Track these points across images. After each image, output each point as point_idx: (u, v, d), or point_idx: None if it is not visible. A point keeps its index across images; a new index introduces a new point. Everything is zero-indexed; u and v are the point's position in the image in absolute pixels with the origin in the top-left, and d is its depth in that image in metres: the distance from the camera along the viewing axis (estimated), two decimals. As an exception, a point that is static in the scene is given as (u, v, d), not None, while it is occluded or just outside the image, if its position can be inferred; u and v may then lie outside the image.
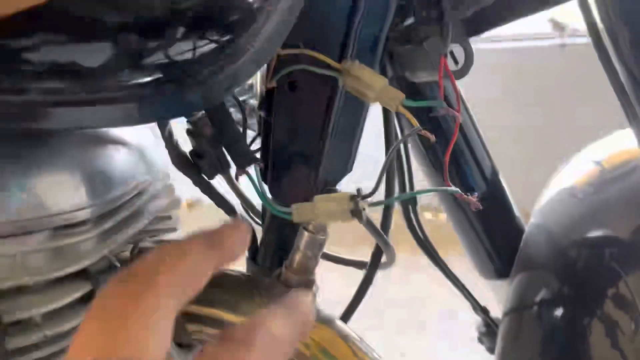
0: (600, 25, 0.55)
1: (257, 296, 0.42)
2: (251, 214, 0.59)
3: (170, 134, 0.50)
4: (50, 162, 0.36)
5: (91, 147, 0.39)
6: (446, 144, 0.66)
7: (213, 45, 0.36)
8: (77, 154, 0.37)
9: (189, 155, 0.50)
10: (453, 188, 0.39)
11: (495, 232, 0.74)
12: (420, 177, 0.68)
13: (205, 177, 0.51)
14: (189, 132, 0.50)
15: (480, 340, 0.75)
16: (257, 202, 0.58)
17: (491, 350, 0.74)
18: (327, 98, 0.47)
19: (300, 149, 0.48)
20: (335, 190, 0.46)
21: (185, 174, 0.51)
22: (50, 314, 0.35)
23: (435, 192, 0.40)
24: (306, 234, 0.40)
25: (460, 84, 0.45)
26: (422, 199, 0.66)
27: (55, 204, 0.35)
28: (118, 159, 0.41)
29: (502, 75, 2.06)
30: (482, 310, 0.73)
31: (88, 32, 0.29)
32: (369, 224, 0.45)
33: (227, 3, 0.35)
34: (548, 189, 0.77)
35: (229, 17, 0.36)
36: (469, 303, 0.72)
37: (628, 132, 0.78)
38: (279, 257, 0.51)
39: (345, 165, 0.50)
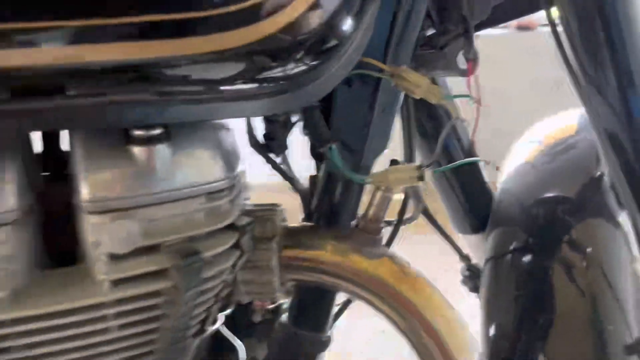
0: (557, 21, 0.72)
1: (342, 240, 0.56)
2: (294, 188, 0.72)
3: (250, 123, 0.63)
4: (204, 146, 0.48)
5: (222, 135, 0.51)
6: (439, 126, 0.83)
7: (319, 61, 0.49)
8: (217, 140, 0.50)
9: (262, 138, 0.64)
10: (481, 159, 0.55)
11: (470, 195, 0.91)
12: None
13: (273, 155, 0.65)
14: (265, 119, 0.63)
15: (464, 282, 0.92)
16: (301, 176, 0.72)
17: (473, 290, 0.91)
18: (373, 91, 0.61)
19: (351, 130, 0.62)
20: (397, 162, 0.60)
21: (258, 152, 0.65)
22: (215, 256, 0.48)
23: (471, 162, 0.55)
24: (379, 193, 0.55)
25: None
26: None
27: (210, 175, 0.48)
28: (232, 146, 0.53)
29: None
30: (465, 258, 0.90)
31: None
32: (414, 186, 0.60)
33: (325, 35, 0.49)
34: (510, 159, 0.95)
35: (327, 43, 0.50)
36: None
37: (569, 113, 0.97)
38: (334, 217, 0.65)
39: (384, 144, 0.64)
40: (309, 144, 0.65)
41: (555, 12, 0.73)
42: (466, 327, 0.60)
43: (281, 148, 0.64)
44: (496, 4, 0.67)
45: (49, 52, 0.38)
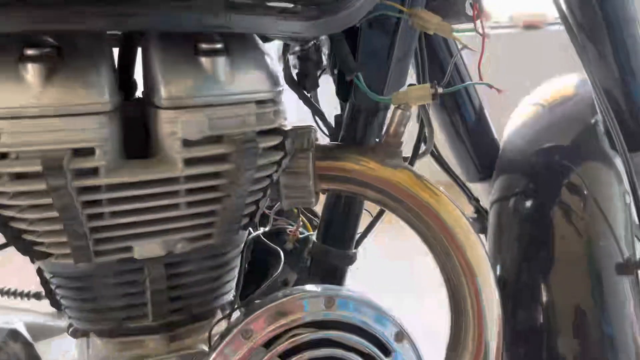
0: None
1: (367, 153, 0.66)
2: (320, 123, 0.82)
3: (287, 60, 0.73)
4: (254, 64, 0.58)
5: (267, 58, 0.61)
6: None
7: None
8: (264, 61, 0.59)
9: (295, 76, 0.74)
10: (487, 83, 0.64)
11: (478, 145, 1.01)
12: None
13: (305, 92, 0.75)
14: (299, 57, 0.73)
15: (471, 224, 1.01)
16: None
17: (480, 231, 1.01)
18: (392, 33, 0.71)
19: (373, 68, 0.72)
20: (414, 84, 0.69)
21: (292, 88, 0.74)
22: (265, 149, 0.58)
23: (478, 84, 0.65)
24: (399, 111, 0.65)
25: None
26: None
27: (259, 86, 0.57)
28: (275, 69, 0.63)
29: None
30: (475, 200, 1.00)
31: None
32: (425, 111, 0.70)
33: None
34: (514, 116, 1.05)
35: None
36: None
37: (567, 77, 1.07)
38: (358, 140, 0.74)
39: (402, 80, 0.74)
40: (335, 85, 0.75)
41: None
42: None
43: (313, 85, 0.74)
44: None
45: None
